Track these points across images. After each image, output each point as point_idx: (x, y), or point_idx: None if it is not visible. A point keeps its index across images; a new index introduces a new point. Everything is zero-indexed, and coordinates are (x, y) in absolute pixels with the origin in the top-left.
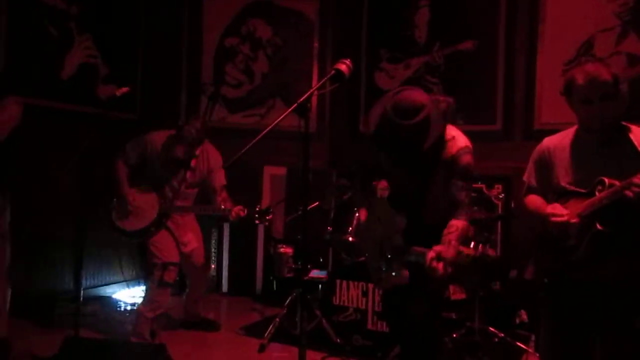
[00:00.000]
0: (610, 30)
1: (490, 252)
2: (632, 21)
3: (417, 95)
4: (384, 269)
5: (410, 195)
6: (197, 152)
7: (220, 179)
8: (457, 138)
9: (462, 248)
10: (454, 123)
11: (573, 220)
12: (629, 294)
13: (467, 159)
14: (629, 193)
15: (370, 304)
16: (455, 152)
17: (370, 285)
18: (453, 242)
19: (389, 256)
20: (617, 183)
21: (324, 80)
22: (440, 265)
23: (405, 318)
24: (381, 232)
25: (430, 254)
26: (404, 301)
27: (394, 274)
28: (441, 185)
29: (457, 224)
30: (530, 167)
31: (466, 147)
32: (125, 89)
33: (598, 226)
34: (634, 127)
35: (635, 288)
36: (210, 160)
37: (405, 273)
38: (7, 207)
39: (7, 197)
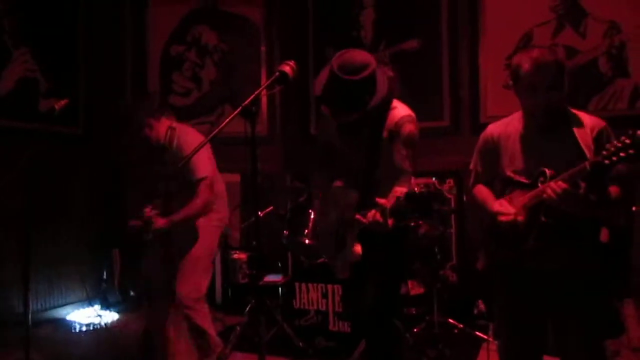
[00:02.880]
0: (547, 24)
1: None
2: (566, 14)
3: (362, 55)
4: (338, 253)
5: (359, 175)
6: (164, 142)
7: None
8: (399, 107)
9: (397, 193)
10: (397, 97)
11: (520, 218)
12: (575, 280)
13: (410, 127)
14: (544, 196)
15: (330, 305)
16: (399, 119)
17: (330, 287)
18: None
19: (343, 233)
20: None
21: (268, 82)
22: (378, 215)
23: (361, 309)
24: (336, 216)
25: (370, 212)
26: (360, 294)
27: (347, 252)
28: (388, 162)
29: (400, 190)
30: (475, 156)
31: (409, 115)
32: (64, 102)
33: (542, 218)
34: (582, 115)
35: (581, 274)
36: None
37: (358, 248)
38: None
39: None
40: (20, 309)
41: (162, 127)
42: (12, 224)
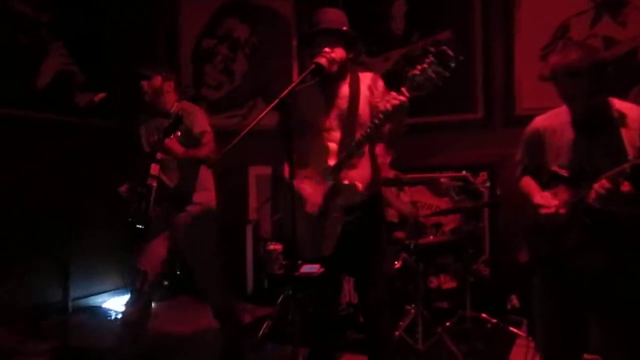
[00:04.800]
0: (585, 14)
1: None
2: (605, 4)
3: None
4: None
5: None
6: (172, 111)
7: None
8: (364, 72)
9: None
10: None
11: (561, 211)
12: (618, 280)
13: (382, 82)
14: (587, 198)
15: None
16: (371, 78)
17: None
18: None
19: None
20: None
21: (305, 74)
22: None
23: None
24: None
25: None
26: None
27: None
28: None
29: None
30: (522, 148)
31: (377, 74)
32: (102, 95)
33: (584, 217)
34: (630, 108)
35: (625, 274)
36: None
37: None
38: None
39: None
40: (58, 297)
41: (171, 95)
42: (51, 214)
